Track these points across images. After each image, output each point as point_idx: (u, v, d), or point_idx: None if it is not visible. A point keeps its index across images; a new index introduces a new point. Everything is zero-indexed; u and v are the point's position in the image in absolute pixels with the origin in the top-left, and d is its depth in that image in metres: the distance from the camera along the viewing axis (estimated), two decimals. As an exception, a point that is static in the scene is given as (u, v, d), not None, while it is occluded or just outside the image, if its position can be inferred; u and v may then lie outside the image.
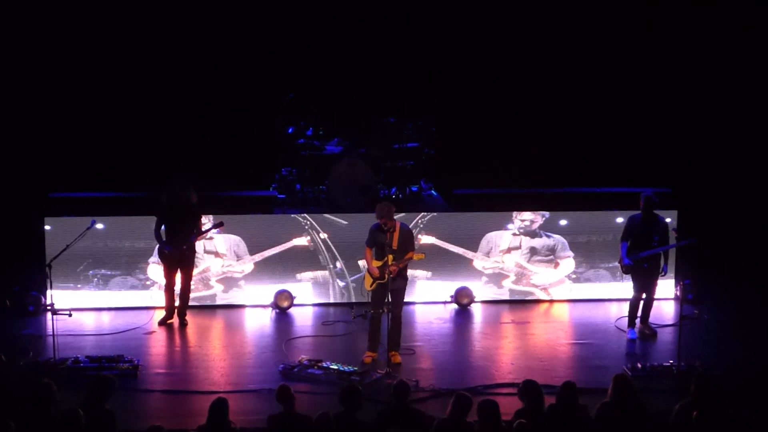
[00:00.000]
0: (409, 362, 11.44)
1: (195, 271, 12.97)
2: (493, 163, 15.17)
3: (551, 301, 13.82)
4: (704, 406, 8.40)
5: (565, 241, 13.78)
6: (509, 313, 13.44)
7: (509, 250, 13.74)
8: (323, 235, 13.50)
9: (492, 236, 13.72)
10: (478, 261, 13.70)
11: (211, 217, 13.11)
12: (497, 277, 13.77)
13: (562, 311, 13.62)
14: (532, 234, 13.73)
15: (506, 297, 13.78)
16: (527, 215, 13.71)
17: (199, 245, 13.02)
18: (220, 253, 13.44)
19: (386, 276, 11.11)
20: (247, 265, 13.46)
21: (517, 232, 13.71)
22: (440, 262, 13.60)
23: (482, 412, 8.29)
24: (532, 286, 13.82)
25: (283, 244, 13.48)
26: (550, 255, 13.82)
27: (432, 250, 13.23)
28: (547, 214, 13.73)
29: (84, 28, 15.11)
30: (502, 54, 15.60)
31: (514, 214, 13.70)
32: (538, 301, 13.82)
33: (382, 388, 10.42)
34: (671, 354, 11.34)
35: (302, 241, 13.50)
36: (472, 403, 8.49)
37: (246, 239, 13.46)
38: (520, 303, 13.75)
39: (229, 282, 13.52)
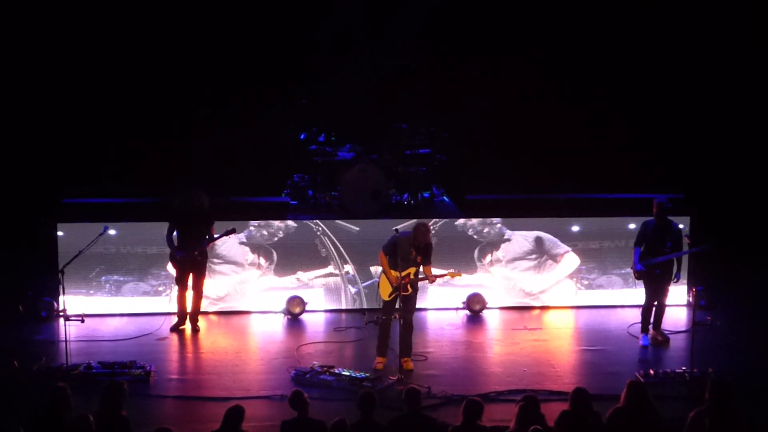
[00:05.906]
0: (421, 368, 11.43)
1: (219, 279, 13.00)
2: (505, 169, 15.16)
3: (561, 308, 13.76)
4: (720, 413, 8.36)
5: (551, 237, 13.60)
6: (521, 319, 13.41)
7: (492, 263, 13.62)
8: (335, 240, 13.52)
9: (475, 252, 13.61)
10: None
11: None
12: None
13: (573, 318, 13.58)
14: (502, 239, 13.60)
15: (509, 305, 13.74)
16: (475, 222, 13.53)
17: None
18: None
19: (408, 288, 11.17)
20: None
21: (483, 241, 13.57)
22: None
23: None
24: (525, 296, 13.70)
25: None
26: (539, 256, 13.73)
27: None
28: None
29: (99, 33, 15.14)
30: (513, 58, 15.58)
31: (467, 223, 13.49)
32: (549, 308, 13.77)
33: (393, 395, 10.42)
34: (684, 360, 11.31)
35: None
36: (483, 407, 8.50)
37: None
38: (532, 309, 13.72)
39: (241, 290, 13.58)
